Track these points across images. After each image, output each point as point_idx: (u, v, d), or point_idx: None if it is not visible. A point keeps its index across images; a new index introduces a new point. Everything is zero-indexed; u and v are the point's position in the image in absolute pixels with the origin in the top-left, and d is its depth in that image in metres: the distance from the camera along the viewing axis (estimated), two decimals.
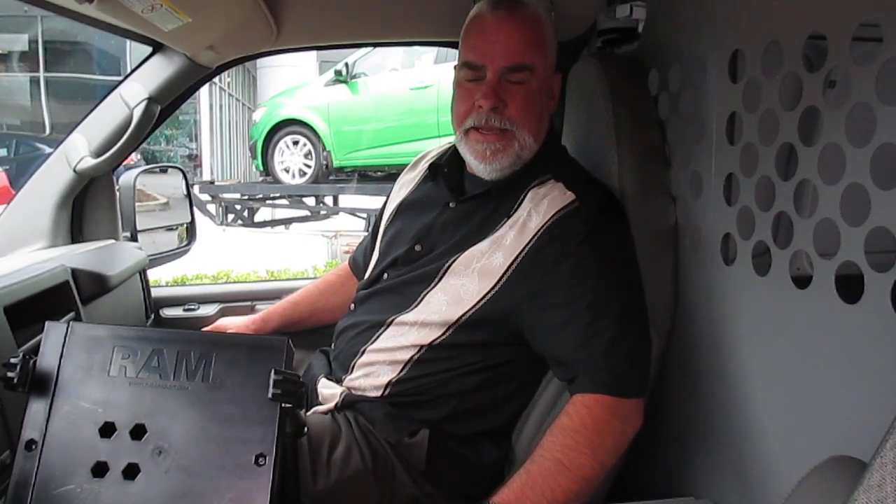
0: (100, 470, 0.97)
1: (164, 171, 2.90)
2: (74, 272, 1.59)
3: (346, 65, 8.58)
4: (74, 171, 1.81)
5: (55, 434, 0.99)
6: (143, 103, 1.74)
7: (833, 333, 1.00)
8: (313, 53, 11.85)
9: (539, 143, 1.42)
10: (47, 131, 15.93)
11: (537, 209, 1.35)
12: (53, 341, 1.03)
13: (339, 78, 8.61)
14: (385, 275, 1.50)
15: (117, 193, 2.00)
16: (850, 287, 0.96)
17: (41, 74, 16.67)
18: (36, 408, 1.00)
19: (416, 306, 1.39)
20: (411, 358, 1.37)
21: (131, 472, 0.97)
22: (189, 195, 2.38)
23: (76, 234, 1.92)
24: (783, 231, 1.11)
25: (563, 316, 1.29)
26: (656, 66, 1.50)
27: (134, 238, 2.04)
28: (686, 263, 1.40)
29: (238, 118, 15.86)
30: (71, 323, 1.05)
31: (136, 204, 2.07)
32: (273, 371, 0.99)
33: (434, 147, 1.71)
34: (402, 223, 1.55)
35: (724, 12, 1.26)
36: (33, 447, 0.98)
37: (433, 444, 1.35)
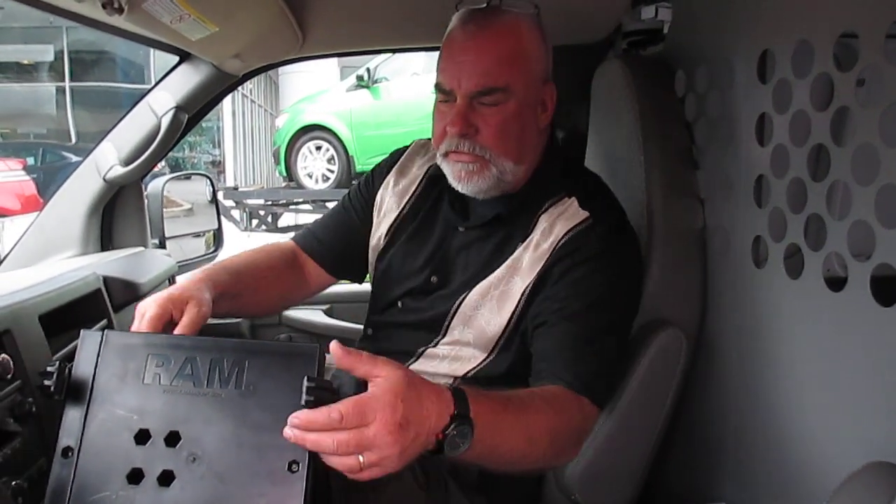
0: (135, 477, 0.98)
1: (189, 178, 2.93)
2: (106, 280, 1.61)
3: (368, 70, 8.63)
4: (104, 179, 1.83)
5: (91, 441, 1.00)
6: (171, 112, 1.76)
7: (868, 336, 0.98)
8: (335, 59, 11.91)
9: (527, 163, 1.34)
10: (73, 140, 16.18)
11: (551, 228, 1.31)
12: (89, 349, 1.04)
13: (361, 83, 8.67)
14: (400, 303, 1.44)
15: (146, 201, 2.03)
16: (885, 289, 0.95)
17: (67, 84, 16.94)
18: (72, 415, 1.01)
19: (442, 339, 1.36)
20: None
21: (166, 478, 0.98)
22: (216, 202, 2.40)
23: (106, 241, 1.94)
24: (815, 233, 1.09)
25: (556, 318, 1.25)
26: (683, 67, 1.49)
27: (162, 245, 2.06)
28: (715, 266, 1.39)
29: (260, 124, 16.00)
30: (106, 331, 1.06)
31: (164, 211, 2.09)
32: (306, 378, 0.99)
33: (422, 140, 1.56)
34: (409, 246, 1.46)
35: (751, 12, 1.25)
36: (69, 454, 0.99)
37: None
